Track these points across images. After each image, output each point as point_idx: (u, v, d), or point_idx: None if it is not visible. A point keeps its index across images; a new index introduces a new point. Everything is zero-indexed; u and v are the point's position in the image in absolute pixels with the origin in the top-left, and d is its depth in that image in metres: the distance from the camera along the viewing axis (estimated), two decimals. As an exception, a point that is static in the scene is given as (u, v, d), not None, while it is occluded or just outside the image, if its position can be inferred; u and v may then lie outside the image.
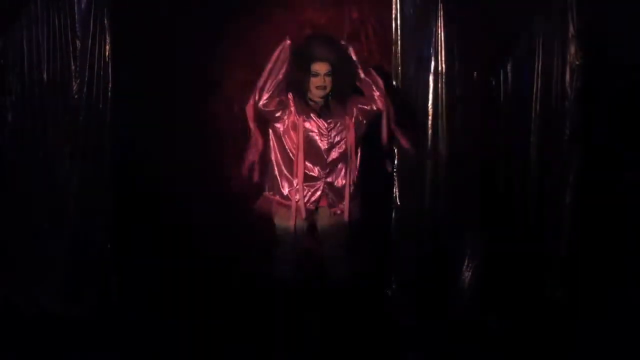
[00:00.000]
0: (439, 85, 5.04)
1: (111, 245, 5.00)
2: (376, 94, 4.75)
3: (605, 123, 5.08)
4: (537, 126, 5.07)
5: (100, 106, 4.95)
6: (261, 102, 4.61)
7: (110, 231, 4.98)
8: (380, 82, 4.76)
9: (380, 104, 4.76)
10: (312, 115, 4.69)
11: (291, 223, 4.73)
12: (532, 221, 5.11)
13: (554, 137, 5.07)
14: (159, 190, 5.30)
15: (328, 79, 4.68)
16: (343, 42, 4.85)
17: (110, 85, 4.91)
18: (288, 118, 4.68)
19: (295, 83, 4.68)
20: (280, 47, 4.62)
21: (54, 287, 4.99)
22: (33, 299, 4.96)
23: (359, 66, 4.78)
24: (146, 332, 4.80)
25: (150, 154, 5.29)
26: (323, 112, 4.74)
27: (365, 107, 4.76)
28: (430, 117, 5.07)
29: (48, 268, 4.99)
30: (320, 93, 4.70)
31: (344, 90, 4.75)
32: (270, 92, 4.61)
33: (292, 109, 4.67)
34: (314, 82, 4.68)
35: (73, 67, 4.90)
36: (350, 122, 4.74)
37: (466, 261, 5.12)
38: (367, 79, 4.77)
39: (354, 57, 4.78)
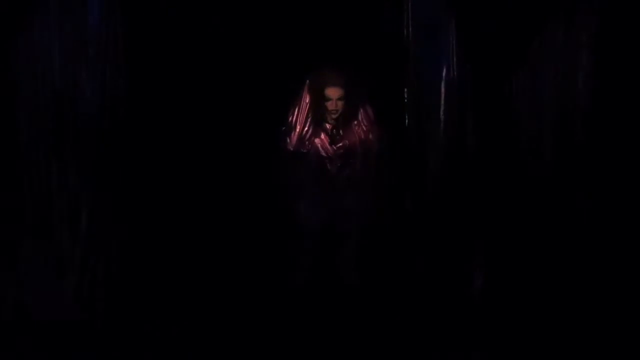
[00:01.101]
0: (451, 92, 5.00)
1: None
2: (371, 128, 5.05)
3: (621, 130, 4.96)
4: (550, 133, 4.98)
5: (114, 113, 5.03)
6: (294, 147, 5.02)
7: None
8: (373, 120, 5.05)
9: (373, 138, 5.05)
10: (325, 140, 5.03)
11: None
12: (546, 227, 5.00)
13: (569, 144, 4.95)
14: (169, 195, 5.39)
15: (340, 103, 5.01)
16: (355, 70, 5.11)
17: (124, 92, 5.01)
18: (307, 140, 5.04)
19: (313, 110, 5.02)
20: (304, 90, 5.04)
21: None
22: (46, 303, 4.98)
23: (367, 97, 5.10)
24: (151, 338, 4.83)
25: (165, 161, 5.32)
26: (334, 136, 5.05)
27: (363, 137, 5.05)
28: (442, 125, 5.04)
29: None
30: (333, 116, 5.02)
31: (353, 114, 5.06)
32: (301, 135, 5.01)
33: (310, 132, 5.04)
34: (327, 105, 4.99)
35: (85, 74, 4.99)
36: (356, 148, 5.04)
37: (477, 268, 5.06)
38: (365, 114, 5.07)
39: (365, 85, 5.10)
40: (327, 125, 5.06)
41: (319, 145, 5.04)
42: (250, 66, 5.54)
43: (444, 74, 4.99)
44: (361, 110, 5.09)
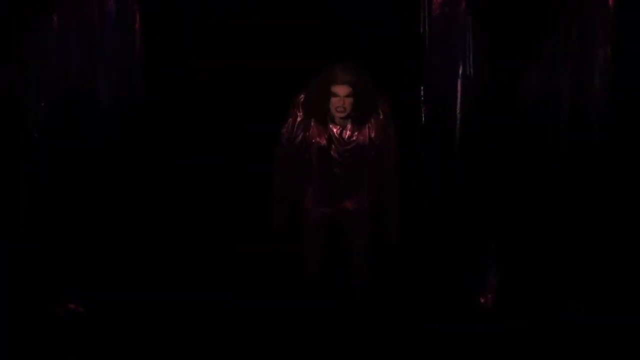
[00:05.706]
0: (468, 89, 5.00)
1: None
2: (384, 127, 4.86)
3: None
4: (566, 131, 4.99)
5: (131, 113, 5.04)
6: (296, 146, 4.84)
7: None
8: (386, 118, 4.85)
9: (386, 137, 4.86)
10: (331, 137, 4.83)
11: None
12: (559, 227, 5.03)
13: (585, 141, 4.97)
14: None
15: (348, 101, 4.73)
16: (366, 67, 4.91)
17: (141, 92, 5.01)
18: (309, 141, 4.86)
19: (316, 105, 4.80)
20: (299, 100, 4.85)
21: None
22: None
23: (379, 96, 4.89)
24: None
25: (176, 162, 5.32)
26: (341, 134, 4.84)
27: (374, 135, 4.85)
28: (458, 123, 5.04)
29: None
30: (340, 115, 4.78)
31: (363, 113, 4.83)
32: (297, 137, 4.84)
33: (313, 132, 4.84)
34: (334, 102, 4.74)
35: (102, 74, 4.98)
36: (365, 146, 4.84)
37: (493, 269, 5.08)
38: (376, 113, 4.86)
39: (376, 83, 4.85)
40: (333, 124, 4.85)
41: (326, 144, 4.85)
42: (263, 66, 5.52)
43: (460, 70, 4.99)
44: (373, 110, 4.87)
